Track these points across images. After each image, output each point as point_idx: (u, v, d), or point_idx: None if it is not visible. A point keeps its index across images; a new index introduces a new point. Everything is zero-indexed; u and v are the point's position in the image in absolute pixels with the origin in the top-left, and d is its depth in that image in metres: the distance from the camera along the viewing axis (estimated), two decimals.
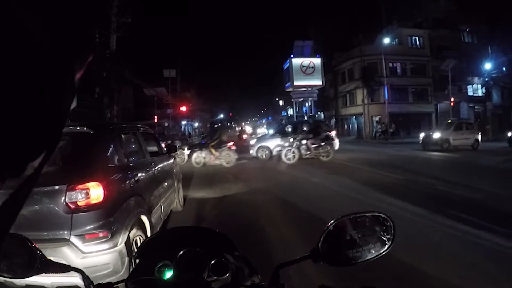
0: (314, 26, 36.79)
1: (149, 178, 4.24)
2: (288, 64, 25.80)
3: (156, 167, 4.73)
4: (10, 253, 0.96)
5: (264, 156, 15.12)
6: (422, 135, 20.61)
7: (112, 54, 14.41)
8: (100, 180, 2.91)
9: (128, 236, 3.12)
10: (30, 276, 0.95)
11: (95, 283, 1.01)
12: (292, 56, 25.46)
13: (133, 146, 4.34)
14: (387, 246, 0.99)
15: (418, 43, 36.42)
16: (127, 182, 3.46)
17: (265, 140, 16.08)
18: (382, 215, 1.01)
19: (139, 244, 3.34)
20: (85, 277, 0.98)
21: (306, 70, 24.92)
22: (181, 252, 1.05)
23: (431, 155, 16.75)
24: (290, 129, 16.51)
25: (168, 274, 1.01)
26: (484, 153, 16.86)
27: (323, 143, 13.83)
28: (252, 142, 16.44)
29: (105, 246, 2.86)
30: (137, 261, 1.18)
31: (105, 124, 3.95)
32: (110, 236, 2.87)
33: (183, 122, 42.41)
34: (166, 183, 5.12)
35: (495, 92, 33.66)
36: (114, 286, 1.02)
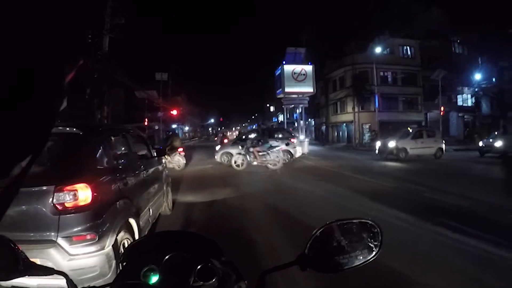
0: (307, 33, 37.12)
1: (138, 181, 4.22)
2: (280, 71, 25.77)
3: (145, 170, 4.70)
4: None
5: (226, 162, 15.37)
6: (378, 143, 19.52)
7: (104, 56, 14.29)
8: (88, 182, 2.89)
9: (116, 239, 3.10)
10: (12, 279, 0.92)
11: (79, 287, 0.99)
12: (284, 62, 25.48)
13: (122, 148, 4.31)
14: (374, 253, 0.99)
15: (409, 53, 37.04)
16: (116, 184, 3.43)
17: (227, 147, 16.34)
18: (370, 222, 1.01)
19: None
20: (69, 281, 0.97)
21: (297, 77, 24.98)
22: (167, 257, 1.04)
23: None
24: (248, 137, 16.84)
25: (154, 279, 1.00)
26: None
27: (269, 151, 13.96)
28: (217, 148, 16.56)
29: (92, 248, 2.83)
30: (123, 264, 1.17)
31: (95, 125, 3.93)
32: (97, 239, 2.85)
33: (174, 126, 42.27)
34: (155, 187, 5.09)
35: (484, 102, 34.28)
36: None
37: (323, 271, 0.98)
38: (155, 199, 5.00)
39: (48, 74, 0.35)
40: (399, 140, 17.85)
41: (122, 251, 3.24)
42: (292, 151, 15.89)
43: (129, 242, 3.38)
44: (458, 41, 37.73)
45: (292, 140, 16.42)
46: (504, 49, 28.05)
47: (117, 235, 3.12)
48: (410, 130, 18.77)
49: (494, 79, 32.67)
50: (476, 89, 32.01)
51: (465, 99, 37.29)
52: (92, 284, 1.07)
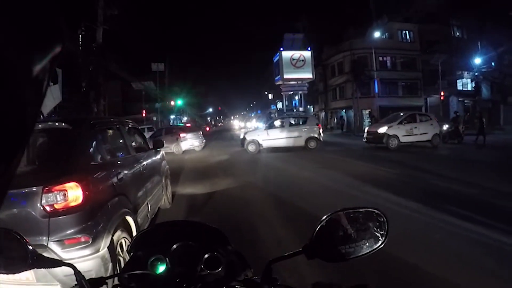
0: (304, 19, 36.71)
1: (134, 176, 4.03)
2: (278, 57, 25.58)
3: (142, 164, 4.52)
4: (2, 248, 0.97)
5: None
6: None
7: (99, 48, 14.06)
8: (79, 180, 2.68)
9: (112, 240, 2.92)
10: (23, 271, 0.95)
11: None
12: (282, 49, 25.27)
13: (117, 142, 4.11)
14: (380, 242, 0.98)
15: (408, 37, 36.70)
16: (110, 181, 3.23)
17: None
18: (376, 211, 1.00)
19: (124, 247, 3.16)
20: (77, 272, 0.97)
21: (296, 63, 24.77)
22: (174, 246, 1.06)
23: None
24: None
25: (161, 268, 1.02)
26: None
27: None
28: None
29: (87, 251, 2.65)
30: (131, 254, 1.16)
31: (85, 119, 3.69)
32: (91, 241, 2.66)
33: (172, 117, 42.00)
34: (152, 180, 4.94)
35: (484, 86, 34.02)
36: (107, 280, 1.02)
37: (329, 260, 0.97)
38: (153, 193, 4.85)
39: (12, 63, 0.33)
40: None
41: (120, 251, 3.08)
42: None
43: (127, 241, 3.23)
44: (458, 25, 37.26)
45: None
46: (503, 33, 27.68)
47: (113, 236, 2.93)
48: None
49: (493, 63, 32.38)
50: (476, 74, 31.71)
51: (465, 83, 36.99)
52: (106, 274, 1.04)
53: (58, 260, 1.02)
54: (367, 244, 0.98)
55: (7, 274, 0.98)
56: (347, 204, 1.01)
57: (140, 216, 3.90)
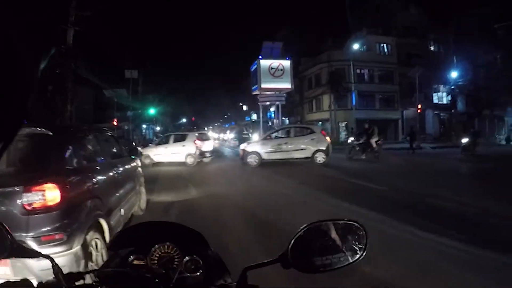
0: (282, 30, 37.28)
1: (109, 181, 4.34)
2: (255, 66, 24.84)
3: (117, 170, 4.83)
4: None
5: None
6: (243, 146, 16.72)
7: (69, 50, 13.95)
8: (57, 182, 2.99)
9: (85, 239, 3.20)
10: (2, 258, 1.05)
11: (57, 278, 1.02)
12: (260, 57, 24.61)
13: (94, 148, 4.40)
14: (358, 256, 0.99)
15: (386, 50, 37.97)
16: (85, 184, 3.55)
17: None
18: (356, 224, 1.01)
19: (99, 247, 3.43)
20: (54, 265, 0.99)
21: (274, 73, 24.04)
22: (155, 247, 1.09)
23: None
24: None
25: (141, 268, 1.05)
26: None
27: None
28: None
29: (61, 248, 2.93)
30: (111, 252, 1.22)
31: (65, 126, 4.04)
32: (66, 238, 2.95)
33: (144, 126, 41.71)
34: (127, 186, 5.22)
35: (460, 100, 35.64)
36: (85, 275, 1.04)
37: (305, 271, 0.98)
38: (127, 199, 5.13)
39: (22, 68, 0.36)
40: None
41: (92, 251, 3.34)
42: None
43: (99, 242, 3.51)
44: (434, 39, 39.10)
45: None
46: (479, 47, 29.24)
47: (86, 235, 3.23)
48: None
49: (469, 77, 34.04)
50: (452, 87, 33.25)
51: (441, 97, 38.61)
52: (78, 271, 1.09)
53: (37, 251, 1.06)
54: (344, 257, 0.99)
55: None
56: None
57: (113, 219, 4.17)
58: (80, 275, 1.02)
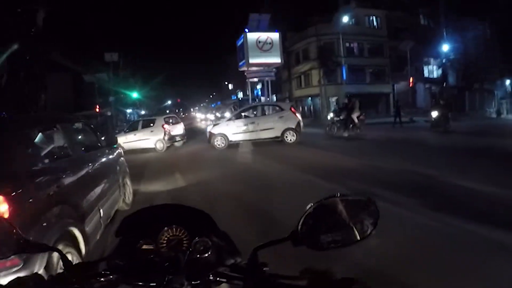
0: (266, 4, 36.29)
1: (81, 180, 3.68)
2: (242, 40, 23.66)
3: (91, 165, 4.18)
4: None
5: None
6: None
7: (39, 33, 12.95)
8: (5, 194, 2.33)
9: (51, 258, 2.58)
10: (9, 256, 0.97)
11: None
12: (247, 30, 23.47)
13: (57, 143, 3.74)
14: (369, 231, 0.98)
15: (375, 23, 37.65)
16: (47, 189, 2.87)
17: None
18: (367, 199, 1.00)
19: (73, 261, 2.82)
20: (62, 256, 1.00)
21: (263, 46, 23.03)
22: (163, 230, 1.06)
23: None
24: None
25: (150, 253, 1.03)
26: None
27: None
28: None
29: (19, 275, 2.31)
30: (119, 238, 1.15)
31: (12, 117, 3.29)
32: (23, 263, 2.33)
33: (128, 111, 40.74)
34: (105, 182, 4.60)
35: (450, 73, 35.54)
36: (94, 265, 1.04)
37: (315, 248, 0.97)
38: (107, 196, 4.52)
39: None
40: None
41: (62, 269, 2.74)
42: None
43: (73, 255, 2.92)
44: (425, 12, 38.69)
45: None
46: (470, 20, 28.98)
47: (51, 253, 2.60)
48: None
49: (460, 51, 33.84)
50: (443, 61, 33.05)
51: (431, 70, 38.56)
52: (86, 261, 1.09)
53: (45, 245, 1.07)
54: (355, 233, 0.98)
55: None
56: None
57: (89, 225, 3.56)
58: (89, 265, 1.02)
